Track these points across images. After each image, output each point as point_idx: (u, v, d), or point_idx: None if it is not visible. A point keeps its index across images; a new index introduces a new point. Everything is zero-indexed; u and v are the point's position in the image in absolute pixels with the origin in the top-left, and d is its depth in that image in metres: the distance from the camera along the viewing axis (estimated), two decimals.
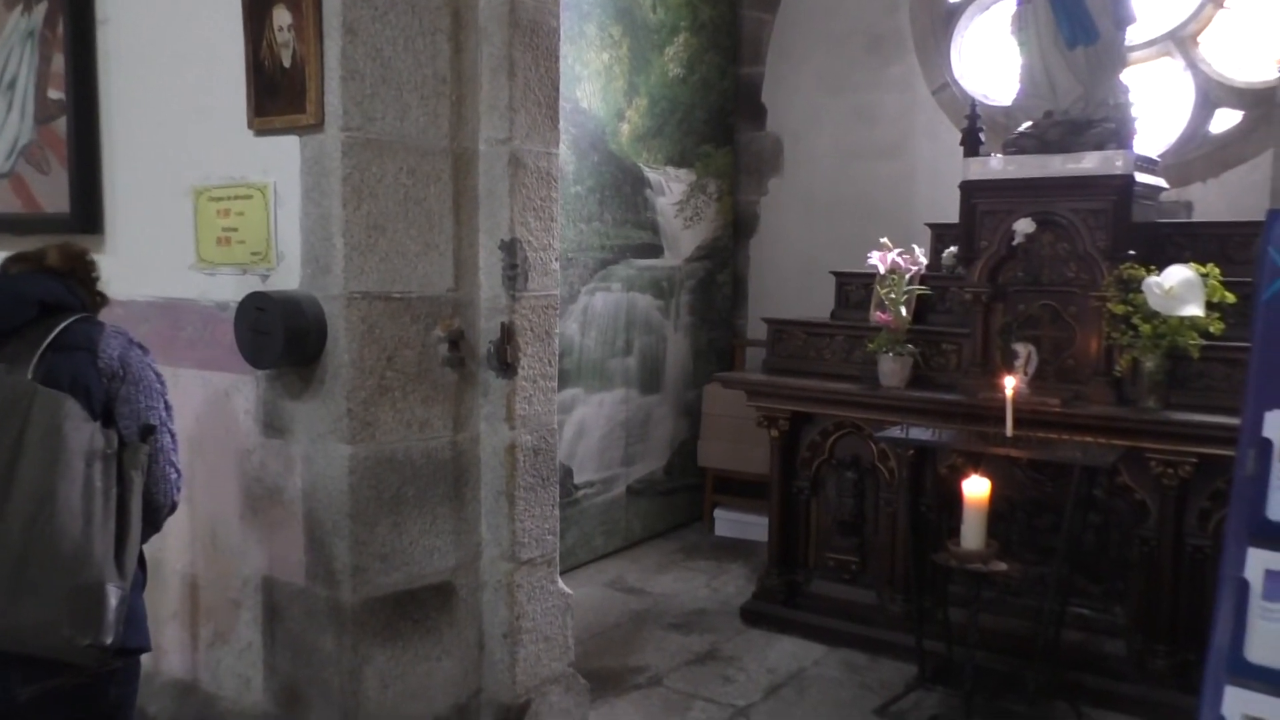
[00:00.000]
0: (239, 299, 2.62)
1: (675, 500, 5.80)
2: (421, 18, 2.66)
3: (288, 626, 2.74)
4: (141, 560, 2.09)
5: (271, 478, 2.75)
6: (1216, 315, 3.39)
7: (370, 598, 2.64)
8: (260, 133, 2.68)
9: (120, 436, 2.00)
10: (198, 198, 2.84)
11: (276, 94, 2.62)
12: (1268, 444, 1.47)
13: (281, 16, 2.57)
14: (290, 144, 2.62)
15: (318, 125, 2.55)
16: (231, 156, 2.75)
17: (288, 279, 2.66)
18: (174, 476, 2.12)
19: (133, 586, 2.00)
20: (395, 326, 2.66)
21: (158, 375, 2.13)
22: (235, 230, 2.78)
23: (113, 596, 1.90)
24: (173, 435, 2.14)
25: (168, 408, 2.13)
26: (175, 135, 2.91)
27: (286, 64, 2.59)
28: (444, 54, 2.73)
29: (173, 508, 2.15)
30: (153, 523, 2.10)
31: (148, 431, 2.05)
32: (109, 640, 1.89)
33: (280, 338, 2.52)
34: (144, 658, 2.17)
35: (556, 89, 2.95)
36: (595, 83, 5.01)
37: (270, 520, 2.76)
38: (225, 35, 2.69)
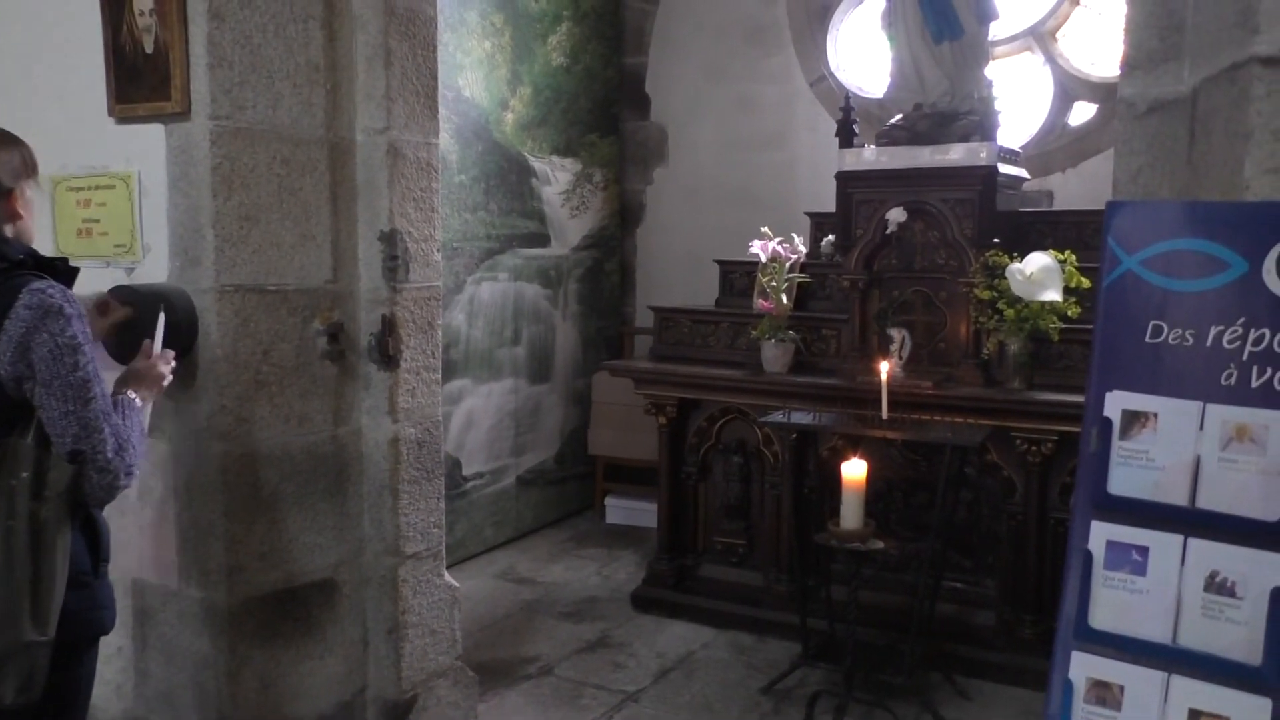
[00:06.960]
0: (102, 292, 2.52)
1: (566, 489, 5.81)
2: (293, 4, 2.60)
3: (160, 630, 2.66)
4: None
5: (141, 477, 2.63)
6: (1074, 300, 3.57)
7: (248, 598, 2.58)
8: (122, 120, 2.58)
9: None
10: (55, 187, 2.72)
11: (139, 81, 2.52)
12: (1108, 423, 1.56)
13: (142, 0, 2.47)
14: (155, 132, 2.53)
15: (184, 113, 2.47)
16: (91, 145, 2.64)
17: (155, 272, 2.57)
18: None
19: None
20: (271, 319, 2.60)
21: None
22: (97, 221, 2.67)
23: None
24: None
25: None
26: (29, 121, 2.74)
27: (149, 49, 2.49)
28: (317, 41, 2.67)
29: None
30: None
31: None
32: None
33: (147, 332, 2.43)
34: None
35: (435, 78, 2.92)
36: (478, 71, 4.96)
37: (140, 521, 2.67)
38: (83, 18, 2.58)
